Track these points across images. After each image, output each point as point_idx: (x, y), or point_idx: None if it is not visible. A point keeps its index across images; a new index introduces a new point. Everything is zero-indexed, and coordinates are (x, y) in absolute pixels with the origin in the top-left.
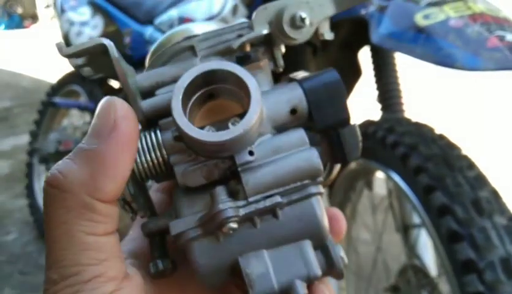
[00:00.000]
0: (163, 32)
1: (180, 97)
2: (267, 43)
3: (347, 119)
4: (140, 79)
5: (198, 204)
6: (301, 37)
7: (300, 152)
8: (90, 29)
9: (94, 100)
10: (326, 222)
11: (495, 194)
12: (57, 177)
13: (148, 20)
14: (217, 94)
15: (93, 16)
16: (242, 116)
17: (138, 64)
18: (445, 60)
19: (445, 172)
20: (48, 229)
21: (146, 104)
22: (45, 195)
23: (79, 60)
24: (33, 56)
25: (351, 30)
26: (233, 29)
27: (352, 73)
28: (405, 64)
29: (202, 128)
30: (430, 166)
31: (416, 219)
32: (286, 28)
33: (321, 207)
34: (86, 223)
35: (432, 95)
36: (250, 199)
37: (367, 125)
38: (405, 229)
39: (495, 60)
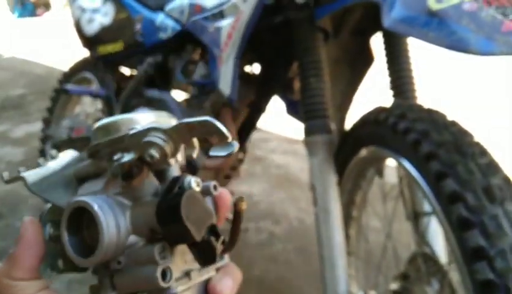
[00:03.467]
0: (173, 18)
1: (65, 233)
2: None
3: (192, 240)
4: (75, 171)
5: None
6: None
7: (147, 268)
8: (101, 15)
9: (106, 87)
10: None
11: (507, 181)
12: None
13: (159, 7)
14: None
15: (104, 2)
16: None
17: (148, 50)
18: (458, 45)
19: (457, 159)
20: None
21: (70, 201)
22: None
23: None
24: (46, 44)
25: (364, 15)
26: (125, 140)
27: (364, 60)
28: (418, 49)
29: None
30: (442, 153)
31: (426, 207)
32: (145, 158)
33: None
34: (16, 293)
35: (445, 81)
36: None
37: (378, 112)
38: (416, 217)
39: (510, 45)
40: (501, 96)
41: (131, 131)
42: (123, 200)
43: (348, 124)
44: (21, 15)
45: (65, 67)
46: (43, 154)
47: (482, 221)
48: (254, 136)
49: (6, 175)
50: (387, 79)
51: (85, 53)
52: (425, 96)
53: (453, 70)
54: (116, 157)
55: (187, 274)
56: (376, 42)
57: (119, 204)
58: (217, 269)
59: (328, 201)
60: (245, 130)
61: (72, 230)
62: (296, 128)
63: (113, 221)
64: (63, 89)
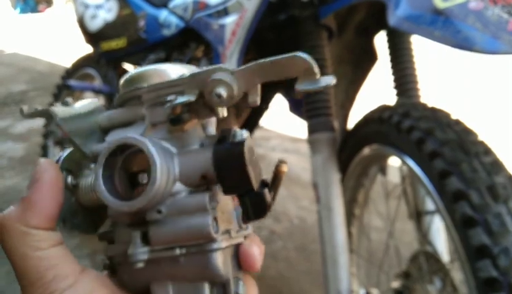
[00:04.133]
0: (177, 15)
1: (101, 170)
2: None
3: (250, 188)
4: (101, 119)
5: (126, 236)
6: (220, 110)
7: (196, 217)
8: (105, 11)
9: (108, 83)
10: (222, 271)
11: (511, 180)
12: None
13: (163, 3)
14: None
15: None
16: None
17: (152, 47)
18: (464, 43)
19: (461, 157)
20: (7, 256)
21: (93, 149)
22: None
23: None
24: (48, 40)
25: (368, 14)
26: (180, 83)
27: (368, 58)
28: (422, 48)
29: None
30: (446, 151)
31: (429, 206)
32: (208, 99)
33: (219, 259)
34: (29, 243)
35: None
36: (155, 248)
37: (382, 110)
38: (418, 216)
39: None
40: (506, 95)
41: (196, 70)
42: (169, 146)
43: (351, 122)
44: (23, 11)
45: (68, 63)
46: (45, 149)
47: (485, 219)
48: (255, 134)
49: (26, 109)
50: (391, 78)
51: (88, 49)
52: (429, 95)
53: (457, 68)
54: (170, 98)
55: (227, 232)
56: (380, 41)
57: (165, 149)
58: (245, 238)
59: (331, 199)
60: (248, 128)
61: (106, 172)
62: (297, 127)
63: (165, 164)
64: (65, 85)
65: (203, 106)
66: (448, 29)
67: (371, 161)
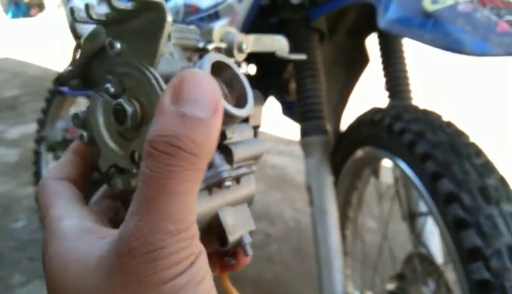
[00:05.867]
0: None
1: (210, 70)
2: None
3: None
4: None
5: None
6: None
7: (255, 142)
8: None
9: None
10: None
11: (502, 182)
12: (186, 141)
13: None
14: None
15: (99, 3)
16: None
17: None
18: (454, 46)
19: (452, 159)
20: (168, 184)
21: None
22: (168, 152)
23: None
24: (40, 45)
25: (359, 16)
26: (195, 32)
27: (359, 61)
28: (413, 50)
29: None
30: (438, 153)
31: (422, 207)
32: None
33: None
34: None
35: (440, 82)
36: (235, 166)
37: (374, 113)
38: (411, 218)
39: (504, 46)
40: (497, 96)
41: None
42: None
43: (344, 125)
44: (15, 16)
45: (60, 68)
46: (37, 155)
47: (478, 221)
48: None
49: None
50: (383, 80)
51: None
52: (421, 97)
53: (448, 70)
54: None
55: None
56: (372, 43)
57: None
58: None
59: (324, 201)
60: None
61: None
62: (289, 129)
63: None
64: (58, 91)
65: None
66: (438, 32)
67: (364, 163)
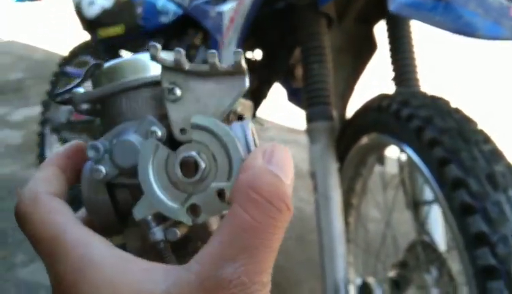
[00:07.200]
0: (175, 2)
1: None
2: None
3: None
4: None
5: None
6: None
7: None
8: None
9: None
10: None
11: (510, 168)
12: (287, 200)
13: None
14: None
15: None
16: None
17: (150, 34)
18: (465, 29)
19: (460, 145)
20: (271, 238)
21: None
22: (270, 206)
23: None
24: (45, 28)
25: (368, 2)
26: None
27: (367, 48)
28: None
29: None
30: (445, 139)
31: (427, 196)
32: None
33: None
34: None
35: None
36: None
37: (381, 99)
38: (416, 206)
39: None
40: (506, 83)
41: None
42: None
43: (350, 111)
44: None
45: (65, 51)
46: (41, 137)
47: (484, 207)
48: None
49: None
50: (391, 67)
51: (85, 37)
52: (428, 83)
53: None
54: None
55: None
56: (380, 30)
57: None
58: None
59: (328, 188)
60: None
61: None
62: (294, 118)
63: None
64: (62, 72)
65: None
66: (449, 15)
67: (369, 150)
